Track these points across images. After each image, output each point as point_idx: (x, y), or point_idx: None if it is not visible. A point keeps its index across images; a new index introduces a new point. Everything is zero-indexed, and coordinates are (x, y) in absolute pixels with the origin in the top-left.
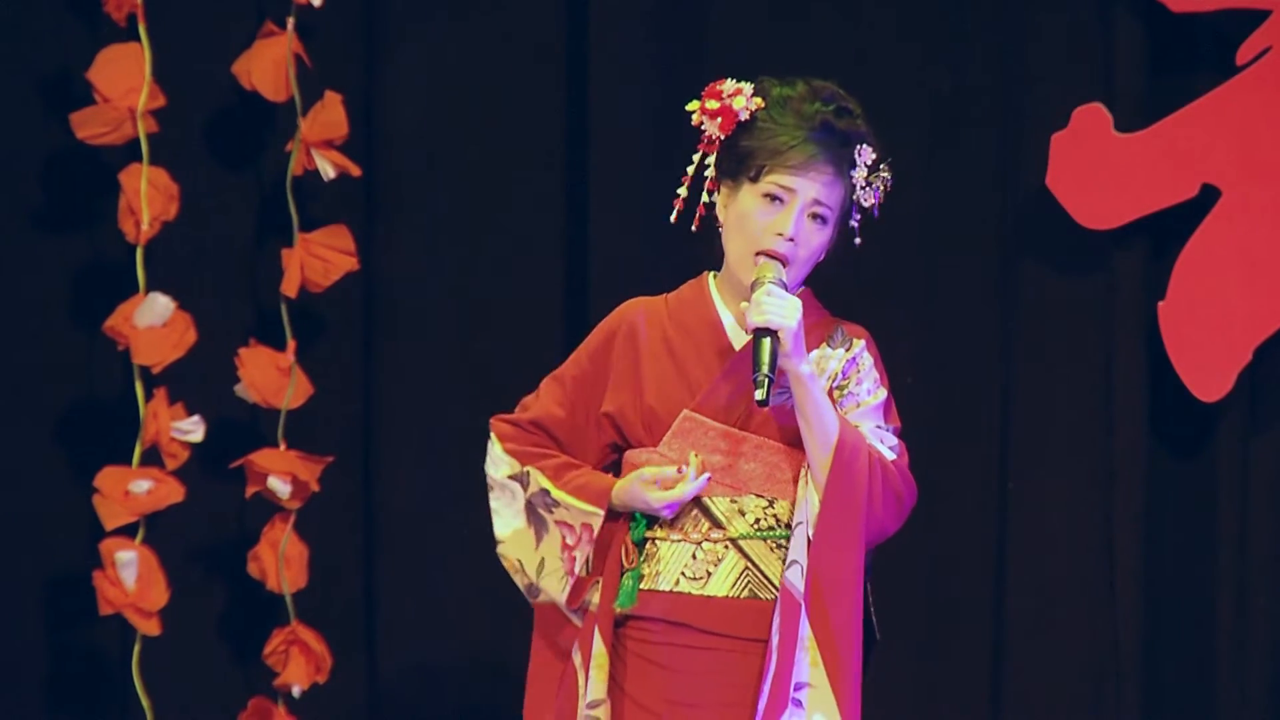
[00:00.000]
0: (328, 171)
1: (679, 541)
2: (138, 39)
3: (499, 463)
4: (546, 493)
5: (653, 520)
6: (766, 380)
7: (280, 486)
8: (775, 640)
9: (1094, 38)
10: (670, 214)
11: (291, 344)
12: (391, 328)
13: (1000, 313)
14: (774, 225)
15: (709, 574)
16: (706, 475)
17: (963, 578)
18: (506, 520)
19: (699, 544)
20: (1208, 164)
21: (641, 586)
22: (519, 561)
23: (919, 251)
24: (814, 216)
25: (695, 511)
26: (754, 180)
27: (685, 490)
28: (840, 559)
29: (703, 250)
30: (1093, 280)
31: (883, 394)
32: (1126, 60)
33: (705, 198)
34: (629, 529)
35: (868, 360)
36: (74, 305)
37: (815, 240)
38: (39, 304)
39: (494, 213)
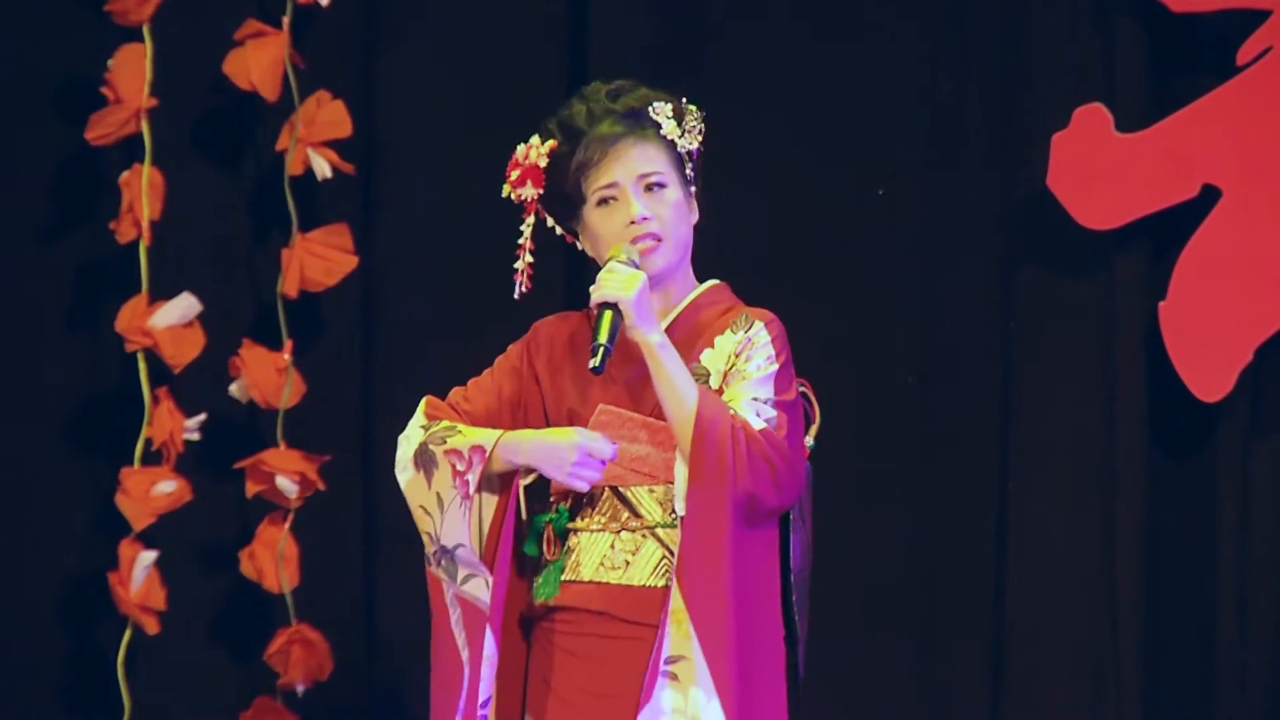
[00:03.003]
0: (324, 170)
1: (598, 531)
2: (140, 39)
3: (413, 423)
4: (450, 426)
5: (575, 511)
6: (602, 349)
7: (289, 486)
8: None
9: (1094, 38)
10: (514, 291)
11: (288, 344)
12: (390, 327)
13: (1000, 313)
14: (621, 219)
15: (628, 563)
16: (615, 447)
17: (963, 578)
18: (402, 466)
19: (618, 533)
20: (1208, 164)
21: (562, 578)
22: (422, 509)
23: (920, 251)
24: (649, 187)
25: (614, 500)
26: (585, 201)
27: (607, 448)
28: (707, 528)
29: (701, 253)
30: (1093, 280)
31: (773, 368)
32: (1127, 60)
33: (530, 258)
34: (550, 521)
35: (764, 337)
36: (69, 305)
37: (667, 206)
38: (36, 304)
39: (492, 212)
